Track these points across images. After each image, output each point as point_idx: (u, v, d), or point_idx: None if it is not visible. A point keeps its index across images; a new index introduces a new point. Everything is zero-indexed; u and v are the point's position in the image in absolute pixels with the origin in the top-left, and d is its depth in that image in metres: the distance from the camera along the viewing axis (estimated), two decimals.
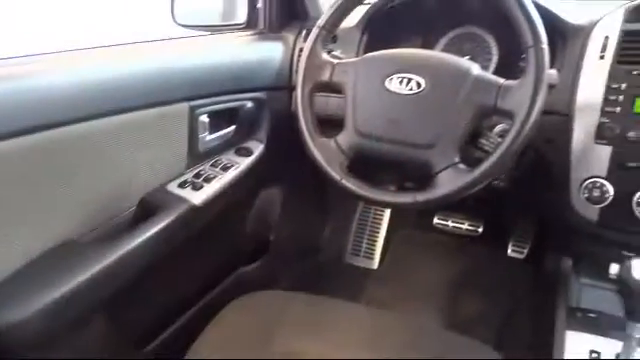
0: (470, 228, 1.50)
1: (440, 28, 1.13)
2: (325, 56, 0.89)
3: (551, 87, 0.82)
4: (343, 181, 0.83)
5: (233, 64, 1.05)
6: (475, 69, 0.79)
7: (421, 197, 0.78)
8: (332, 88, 0.89)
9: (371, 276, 1.55)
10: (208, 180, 0.98)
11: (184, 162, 0.98)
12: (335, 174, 0.83)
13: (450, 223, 1.52)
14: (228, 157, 1.06)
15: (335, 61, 0.89)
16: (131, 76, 0.85)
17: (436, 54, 0.87)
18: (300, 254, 1.49)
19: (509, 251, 1.44)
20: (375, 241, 1.61)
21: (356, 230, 1.63)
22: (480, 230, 1.48)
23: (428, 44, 1.14)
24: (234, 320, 0.83)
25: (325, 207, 1.56)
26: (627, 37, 0.86)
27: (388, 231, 1.60)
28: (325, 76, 0.88)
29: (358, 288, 1.50)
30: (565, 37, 0.94)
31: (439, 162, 0.78)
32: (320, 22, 0.88)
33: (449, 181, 0.76)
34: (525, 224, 1.44)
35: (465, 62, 0.80)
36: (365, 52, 0.91)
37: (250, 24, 1.21)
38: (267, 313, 0.84)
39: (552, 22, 0.95)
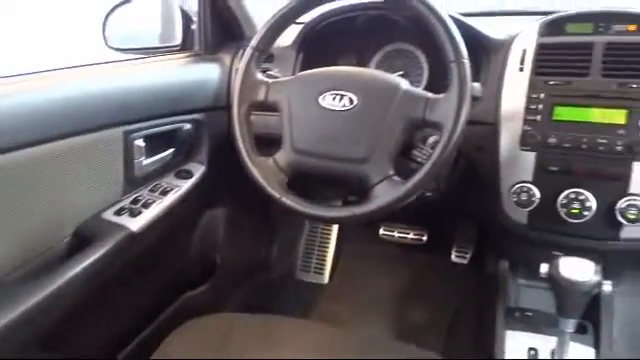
0: (415, 237, 1.54)
1: (373, 45, 1.16)
2: (260, 76, 0.90)
3: (475, 99, 0.87)
4: (283, 199, 0.83)
5: (168, 86, 1.04)
6: (404, 84, 0.82)
7: (359, 210, 0.79)
8: (268, 107, 0.90)
9: (322, 291, 1.55)
10: (147, 205, 0.96)
11: (120, 188, 0.95)
12: (274, 192, 0.84)
13: (396, 234, 1.55)
14: (168, 181, 1.04)
15: (270, 80, 0.90)
16: (61, 103, 0.83)
17: (367, 71, 0.90)
18: (249, 274, 1.48)
19: (453, 257, 1.48)
20: (325, 256, 1.62)
21: (305, 246, 1.64)
22: (425, 239, 1.52)
23: (363, 61, 1.17)
24: (179, 348, 0.81)
25: (272, 225, 1.55)
26: (542, 50, 0.91)
27: (337, 245, 1.62)
28: (260, 96, 0.89)
29: (310, 304, 1.50)
30: (488, 51, 0.99)
31: (374, 175, 0.80)
32: (253, 43, 0.89)
33: (385, 193, 0.78)
34: (466, 230, 1.49)
35: (394, 78, 0.83)
36: (302, 71, 0.93)
37: (185, 46, 1.20)
38: (213, 338, 0.83)
39: (475, 38, 1.00)
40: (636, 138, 0.83)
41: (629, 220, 0.84)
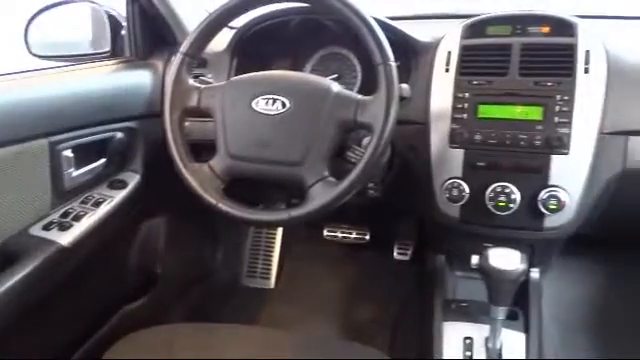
0: (358, 237, 1.56)
1: (308, 49, 1.18)
2: (191, 82, 0.89)
3: (404, 99, 0.90)
4: (219, 205, 0.83)
5: (98, 94, 1.01)
6: (335, 87, 0.83)
7: (295, 213, 0.80)
8: (201, 113, 0.89)
9: (269, 295, 1.55)
10: (77, 218, 0.92)
11: (48, 202, 0.91)
12: (210, 198, 0.83)
13: (339, 234, 1.57)
14: (100, 192, 1.01)
15: (202, 86, 0.89)
16: None
17: (299, 75, 0.91)
18: (193, 283, 1.46)
19: (395, 254, 1.52)
20: (270, 260, 1.62)
21: (250, 252, 1.63)
22: (367, 238, 1.55)
23: (298, 65, 1.18)
24: None
25: (215, 232, 1.54)
26: (465, 51, 0.96)
27: (282, 249, 1.62)
28: (193, 102, 0.88)
29: (257, 309, 1.49)
30: (417, 53, 1.03)
31: (309, 177, 0.81)
32: (182, 49, 0.88)
33: (320, 194, 0.80)
34: (407, 227, 1.53)
35: (325, 81, 0.85)
36: (236, 75, 0.92)
37: (115, 52, 1.17)
38: (153, 351, 0.81)
39: (404, 40, 1.04)
40: (552, 133, 0.89)
41: (550, 210, 0.89)
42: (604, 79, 0.89)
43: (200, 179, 0.85)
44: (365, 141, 0.91)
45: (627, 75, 0.91)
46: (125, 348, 0.82)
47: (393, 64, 0.79)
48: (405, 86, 0.88)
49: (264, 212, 0.84)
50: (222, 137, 0.85)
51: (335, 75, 1.14)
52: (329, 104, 0.81)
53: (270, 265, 1.61)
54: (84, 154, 0.97)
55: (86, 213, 0.94)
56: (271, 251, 1.62)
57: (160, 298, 1.28)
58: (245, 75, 0.88)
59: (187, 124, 0.92)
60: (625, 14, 1.14)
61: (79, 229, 0.91)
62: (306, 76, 0.88)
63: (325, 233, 1.58)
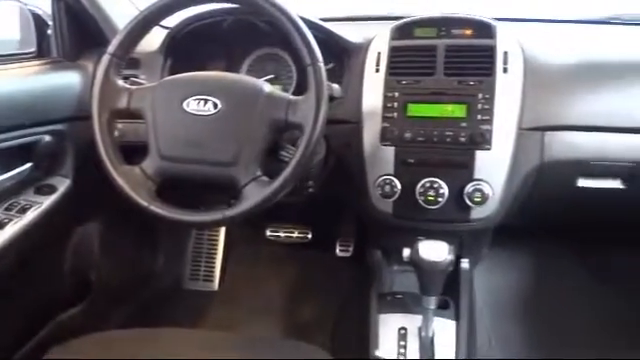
0: (300, 236, 1.58)
1: (242, 50, 1.18)
2: (121, 83, 0.88)
3: (336, 99, 0.92)
4: (151, 207, 0.82)
5: (21, 96, 0.97)
6: (267, 87, 0.84)
7: (229, 213, 0.81)
8: (132, 115, 0.87)
9: (212, 298, 1.54)
10: (1, 226, 0.88)
11: None
12: (141, 200, 0.82)
13: (281, 234, 1.58)
14: (26, 198, 0.97)
15: (132, 87, 0.87)
16: None
17: (230, 75, 0.91)
18: (132, 289, 1.42)
19: (337, 251, 1.55)
20: (213, 262, 1.60)
21: (192, 254, 1.61)
22: (310, 236, 1.57)
23: (233, 66, 1.18)
24: None
25: (154, 235, 1.51)
26: (394, 52, 0.99)
27: (225, 250, 1.61)
28: (122, 103, 0.86)
29: (200, 313, 1.48)
30: (349, 54, 1.05)
31: (242, 177, 0.81)
32: (110, 49, 0.87)
33: (253, 194, 0.80)
34: (348, 224, 1.56)
35: (257, 81, 0.86)
36: (170, 76, 0.91)
37: (42, 53, 1.12)
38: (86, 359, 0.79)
39: (336, 41, 1.06)
40: (476, 130, 0.93)
41: (475, 203, 0.94)
42: (521, 78, 0.95)
43: (131, 181, 0.83)
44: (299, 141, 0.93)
45: (541, 75, 0.97)
46: (56, 357, 0.79)
47: (321, 65, 0.81)
48: (335, 86, 0.90)
49: (197, 213, 0.83)
50: (153, 138, 0.84)
51: (271, 76, 1.15)
52: (261, 104, 0.82)
53: (213, 267, 1.59)
54: (7, 159, 0.93)
55: (11, 220, 0.90)
56: (214, 253, 1.61)
57: (96, 305, 1.24)
58: (176, 76, 0.87)
59: (120, 126, 0.91)
60: (540, 17, 1.21)
61: (3, 237, 0.87)
62: (238, 77, 0.89)
63: (268, 233, 1.59)
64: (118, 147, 0.86)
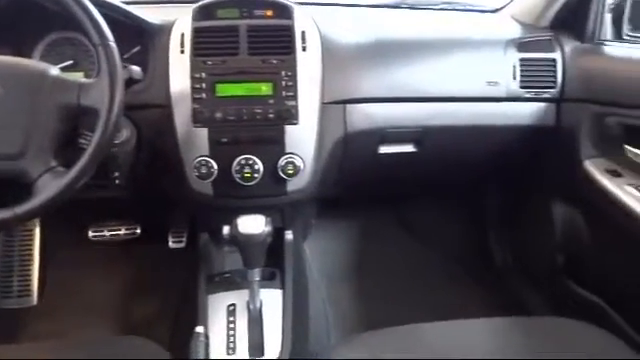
0: (128, 232, 1.49)
1: (33, 35, 1.07)
2: None
3: (136, 82, 0.89)
4: None
5: None
6: (53, 71, 0.78)
7: (21, 210, 0.73)
8: None
9: (32, 313, 1.38)
10: None
11: None
12: None
13: (106, 232, 1.48)
14: None
15: None
16: None
17: (9, 59, 0.82)
18: None
19: (170, 243, 1.50)
20: (29, 274, 1.44)
21: (1, 267, 1.42)
22: (138, 231, 1.50)
23: (23, 52, 1.06)
24: None
25: None
26: (198, 33, 0.99)
27: (42, 258, 1.46)
28: None
29: (16, 332, 1.32)
30: (152, 36, 1.02)
31: (33, 169, 0.75)
32: None
33: (48, 186, 0.74)
34: (179, 214, 1.52)
35: (41, 65, 0.79)
36: None
37: None
38: None
39: (138, 23, 1.02)
40: (282, 106, 0.98)
41: (288, 175, 0.99)
42: (319, 56, 1.02)
43: None
44: None
45: (337, 54, 1.06)
46: None
47: (112, 44, 0.77)
48: (135, 68, 0.87)
49: None
50: None
51: (69, 62, 1.07)
52: (47, 89, 0.76)
53: (29, 279, 1.43)
54: None
55: None
56: (28, 263, 1.44)
57: None
58: None
59: None
60: (336, 2, 1.32)
61: None
62: (17, 60, 0.81)
63: (90, 234, 1.47)
64: None
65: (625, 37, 1.14)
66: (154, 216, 1.49)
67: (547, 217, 1.28)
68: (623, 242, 1.01)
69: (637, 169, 0.99)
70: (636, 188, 0.95)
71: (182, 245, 1.51)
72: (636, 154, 0.99)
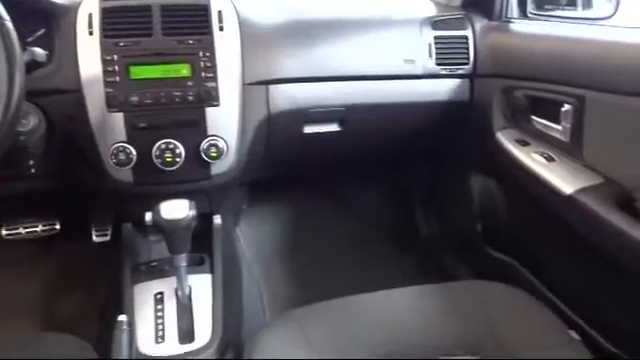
0: (46, 228, 1.41)
1: None
2: None
3: (39, 65, 0.84)
4: None
5: None
6: None
7: None
8: None
9: None
10: None
11: None
12: None
13: (22, 230, 1.38)
14: None
15: None
16: None
17: None
18: None
19: (94, 237, 1.43)
20: None
21: None
22: (58, 227, 1.42)
23: None
24: None
25: None
26: (107, 14, 0.94)
27: None
28: None
29: None
30: (58, 17, 0.96)
31: None
32: None
33: None
34: (101, 206, 1.45)
35: None
36: None
37: None
38: None
39: (40, 4, 0.96)
40: (202, 88, 0.96)
41: (212, 158, 0.97)
42: (238, 36, 1.01)
43: None
44: None
45: (257, 34, 1.05)
46: None
47: (8, 23, 0.72)
48: (38, 50, 0.82)
49: None
50: None
51: None
52: None
53: None
54: None
55: None
56: None
57: None
58: None
59: None
60: None
61: None
62: None
63: (4, 233, 1.37)
64: None
65: (529, 15, 1.21)
66: (75, 210, 1.42)
67: (466, 188, 1.34)
68: (532, 206, 1.08)
69: (543, 138, 1.06)
70: (541, 155, 1.01)
71: (107, 238, 1.44)
72: (541, 124, 1.06)
